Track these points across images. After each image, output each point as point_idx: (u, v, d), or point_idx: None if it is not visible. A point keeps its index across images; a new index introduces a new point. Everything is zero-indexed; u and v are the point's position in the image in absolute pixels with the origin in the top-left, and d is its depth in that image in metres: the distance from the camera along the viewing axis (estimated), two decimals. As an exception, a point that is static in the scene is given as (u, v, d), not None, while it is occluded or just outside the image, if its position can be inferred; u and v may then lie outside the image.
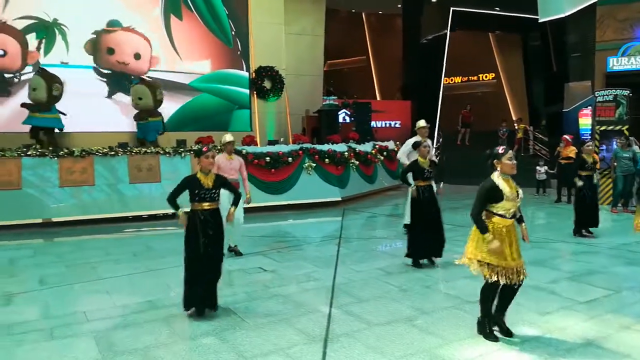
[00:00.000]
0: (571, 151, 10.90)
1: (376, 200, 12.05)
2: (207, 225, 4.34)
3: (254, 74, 13.64)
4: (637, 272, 5.63)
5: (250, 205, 8.40)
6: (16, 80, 10.97)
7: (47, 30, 11.39)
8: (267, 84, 13.73)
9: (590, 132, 11.96)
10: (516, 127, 18.28)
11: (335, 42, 20.79)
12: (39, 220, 8.74)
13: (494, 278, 3.55)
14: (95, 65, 11.88)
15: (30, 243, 7.91)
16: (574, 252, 6.81)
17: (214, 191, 4.40)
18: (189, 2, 12.91)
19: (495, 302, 3.74)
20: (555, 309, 4.40)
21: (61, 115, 10.14)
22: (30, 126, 9.84)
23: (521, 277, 3.60)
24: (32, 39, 11.27)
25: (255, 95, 13.75)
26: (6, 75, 10.99)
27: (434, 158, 7.41)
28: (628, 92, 10.87)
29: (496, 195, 3.54)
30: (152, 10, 12.54)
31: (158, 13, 12.59)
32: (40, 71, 10.13)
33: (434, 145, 16.77)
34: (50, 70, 10.32)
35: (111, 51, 12.11)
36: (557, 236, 7.64)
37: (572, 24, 14.06)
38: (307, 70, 15.79)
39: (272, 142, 11.86)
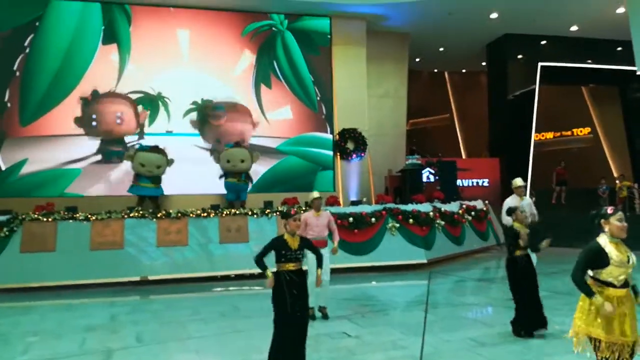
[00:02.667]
0: (687, 211, 9.83)
1: (465, 263, 11.50)
2: (293, 285, 4.41)
3: (337, 136, 14.02)
4: None
5: (333, 266, 8.35)
6: (126, 149, 12.18)
7: (152, 103, 12.65)
8: (350, 145, 14.02)
9: None
10: (618, 185, 16.90)
11: (418, 101, 20.94)
12: (137, 278, 9.30)
13: (605, 354, 3.16)
14: (200, 135, 13.01)
15: (128, 300, 8.38)
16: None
17: (299, 252, 4.52)
18: (278, 72, 13.79)
19: None
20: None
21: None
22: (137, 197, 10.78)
23: (634, 354, 3.18)
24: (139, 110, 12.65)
25: (338, 157, 14.06)
26: (125, 140, 12.40)
27: (535, 217, 7.12)
28: None
29: (601, 259, 3.21)
30: (245, 81, 13.52)
31: (250, 83, 13.54)
32: (153, 148, 11.07)
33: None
34: (155, 138, 11.38)
35: (218, 127, 13.25)
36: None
37: (677, 74, 13.06)
38: (390, 130, 15.99)
39: (355, 203, 11.88)
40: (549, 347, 5.13)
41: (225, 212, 10.09)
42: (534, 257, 5.85)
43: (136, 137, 12.46)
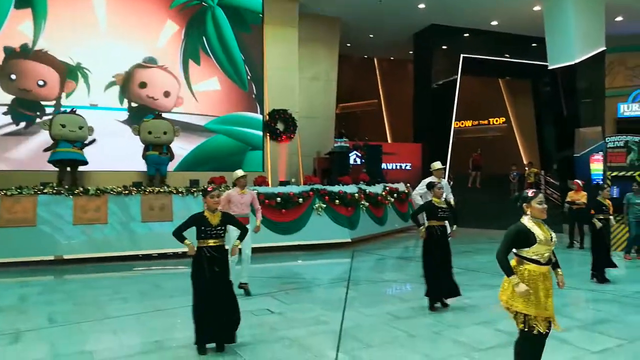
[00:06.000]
0: (582, 196, 10.84)
1: (386, 243, 12.01)
2: (213, 261, 4.46)
3: (267, 116, 13.96)
4: (652, 322, 5.50)
5: (260, 245, 8.36)
6: (39, 120, 11.34)
7: (70, 74, 11.88)
8: (280, 126, 14.03)
9: (602, 177, 11.91)
10: (527, 171, 18.26)
11: (348, 86, 21.27)
12: (51, 258, 8.82)
13: (538, 328, 3.31)
14: (124, 98, 12.48)
15: (40, 280, 7.96)
16: (586, 299, 6.69)
17: (219, 228, 4.55)
18: (207, 48, 13.42)
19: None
20: (568, 358, 4.30)
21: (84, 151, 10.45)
22: (58, 165, 10.09)
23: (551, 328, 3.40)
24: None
25: (268, 137, 14.03)
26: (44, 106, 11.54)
27: (451, 199, 7.40)
28: (639, 139, 10.97)
29: (527, 238, 3.37)
30: (173, 55, 13.04)
31: (178, 57, 13.08)
32: (72, 112, 10.49)
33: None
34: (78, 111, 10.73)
35: (143, 85, 12.63)
36: (569, 282, 7.49)
37: (582, 70, 14.25)
38: (320, 112, 16.16)
39: (283, 183, 11.98)
40: (458, 319, 5.53)
41: (148, 190, 9.79)
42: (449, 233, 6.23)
43: (52, 109, 11.64)
